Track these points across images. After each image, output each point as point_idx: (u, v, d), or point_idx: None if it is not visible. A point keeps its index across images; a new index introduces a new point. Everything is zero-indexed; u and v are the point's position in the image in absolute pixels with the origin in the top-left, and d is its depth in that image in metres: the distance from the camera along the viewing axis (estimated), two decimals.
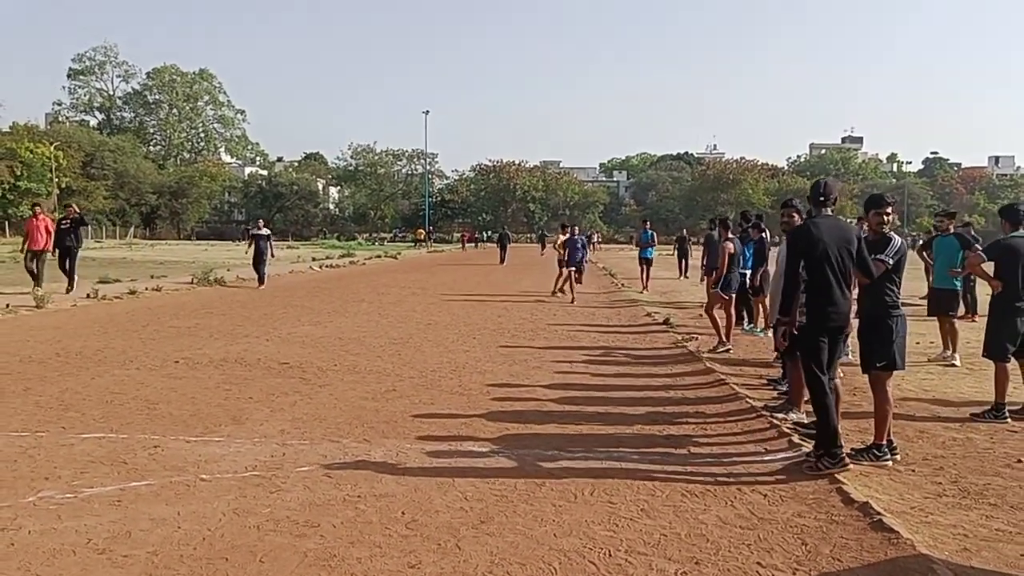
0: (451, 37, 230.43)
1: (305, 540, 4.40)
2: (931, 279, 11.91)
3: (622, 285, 25.15)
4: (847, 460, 5.72)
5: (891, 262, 5.98)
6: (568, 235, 20.07)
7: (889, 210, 6.24)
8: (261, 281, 22.04)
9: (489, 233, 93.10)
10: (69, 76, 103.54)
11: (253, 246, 22.45)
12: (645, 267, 23.23)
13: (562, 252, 20.60)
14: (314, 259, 38.46)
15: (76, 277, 18.30)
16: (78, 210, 20.70)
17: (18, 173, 65.39)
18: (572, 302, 18.56)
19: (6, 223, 65.66)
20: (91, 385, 8.46)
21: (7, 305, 14.92)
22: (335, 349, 11.17)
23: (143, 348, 10.93)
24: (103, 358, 10.10)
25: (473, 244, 77.47)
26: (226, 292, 20.59)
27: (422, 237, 78.85)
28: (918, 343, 12.13)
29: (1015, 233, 7.58)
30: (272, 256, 22.79)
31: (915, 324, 13.55)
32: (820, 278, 5.69)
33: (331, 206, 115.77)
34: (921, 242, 11.53)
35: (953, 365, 10.34)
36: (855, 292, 6.23)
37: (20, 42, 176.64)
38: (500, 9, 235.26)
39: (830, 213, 5.92)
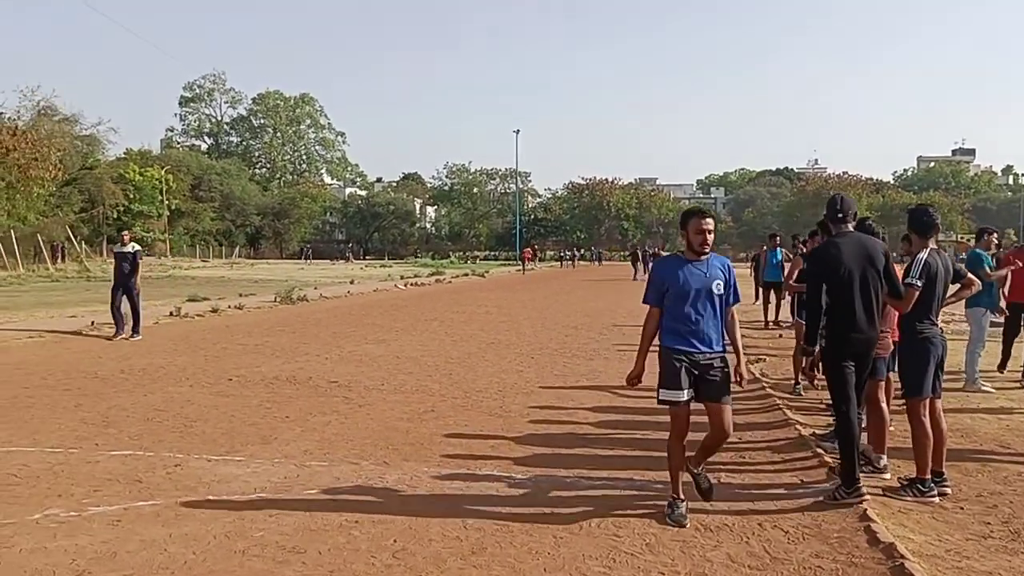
0: (543, 54, 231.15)
1: (284, 567, 4.29)
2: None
3: None
4: (864, 490, 5.28)
5: (919, 283, 5.47)
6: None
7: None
8: (135, 324, 14.34)
9: (583, 251, 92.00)
10: (180, 104, 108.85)
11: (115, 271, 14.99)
12: (773, 294, 17.01)
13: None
14: (402, 277, 39.00)
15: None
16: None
17: (131, 196, 68.83)
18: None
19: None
20: (140, 402, 8.65)
21: (92, 323, 15.54)
22: (388, 368, 11.15)
23: (204, 365, 11.17)
24: (162, 375, 10.35)
25: (570, 263, 73.91)
26: (302, 310, 21.01)
27: (530, 256, 66.13)
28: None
29: None
30: (137, 287, 14.52)
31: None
32: (841, 301, 5.23)
33: (427, 225, 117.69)
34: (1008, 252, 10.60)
35: None
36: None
37: (139, 71, 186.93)
38: (593, 27, 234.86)
39: (851, 229, 5.46)
